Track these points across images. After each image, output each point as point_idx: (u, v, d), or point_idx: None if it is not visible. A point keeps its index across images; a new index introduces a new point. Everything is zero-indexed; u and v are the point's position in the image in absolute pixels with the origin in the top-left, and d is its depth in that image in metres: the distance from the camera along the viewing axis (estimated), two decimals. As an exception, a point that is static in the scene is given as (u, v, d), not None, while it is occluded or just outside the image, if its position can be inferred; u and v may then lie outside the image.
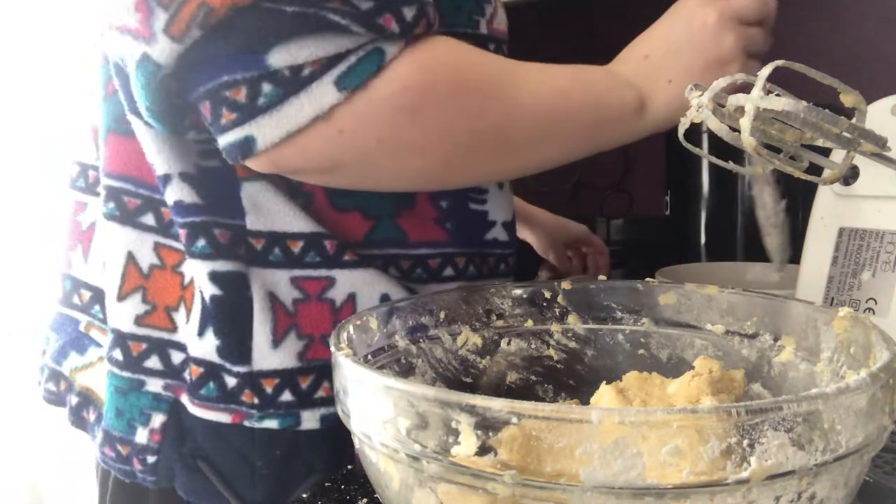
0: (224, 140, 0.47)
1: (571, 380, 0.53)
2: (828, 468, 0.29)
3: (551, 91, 0.53)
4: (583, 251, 1.07)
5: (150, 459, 0.56)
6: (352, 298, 0.55)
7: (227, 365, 0.53)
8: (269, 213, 0.53)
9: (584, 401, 0.49)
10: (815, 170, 0.46)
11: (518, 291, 0.53)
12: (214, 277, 0.52)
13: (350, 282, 0.55)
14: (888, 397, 0.31)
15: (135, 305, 0.56)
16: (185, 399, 0.55)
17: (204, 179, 0.53)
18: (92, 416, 0.60)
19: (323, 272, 0.54)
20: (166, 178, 0.53)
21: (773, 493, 0.29)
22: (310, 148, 0.47)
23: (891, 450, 0.47)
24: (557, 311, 0.53)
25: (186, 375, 0.55)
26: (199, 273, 0.53)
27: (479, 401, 0.29)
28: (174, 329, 0.56)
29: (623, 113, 0.55)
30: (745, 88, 0.41)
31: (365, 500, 0.46)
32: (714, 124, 0.42)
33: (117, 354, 0.56)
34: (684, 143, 0.48)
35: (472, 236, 0.61)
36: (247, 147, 0.46)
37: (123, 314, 0.56)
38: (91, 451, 0.61)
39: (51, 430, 1.63)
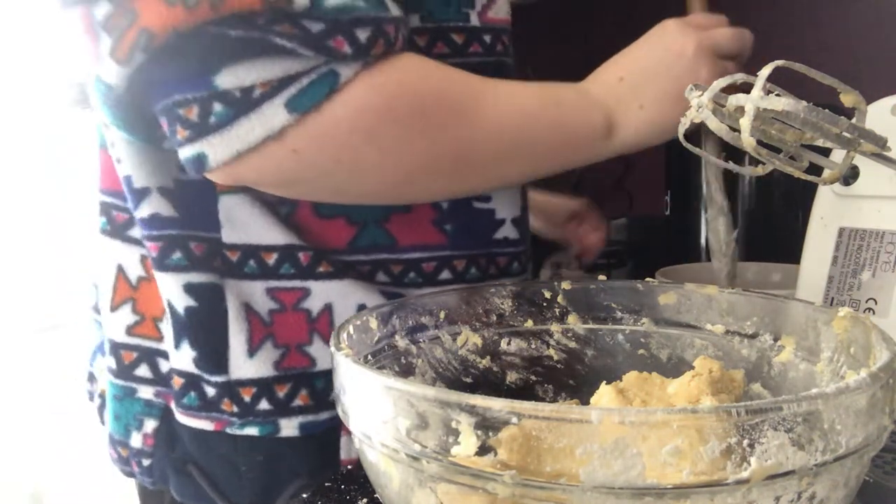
0: (181, 154, 0.47)
1: (571, 380, 0.53)
2: (828, 468, 0.29)
3: (517, 112, 0.53)
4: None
5: (146, 462, 0.58)
6: (328, 308, 0.55)
7: (205, 375, 0.54)
8: (244, 225, 0.54)
9: (584, 401, 0.49)
10: (815, 170, 0.46)
11: (518, 291, 0.53)
12: (189, 289, 0.53)
13: (325, 293, 0.55)
14: (888, 397, 0.31)
15: (126, 316, 0.58)
16: (173, 406, 0.56)
17: (182, 193, 0.54)
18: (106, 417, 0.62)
19: (297, 283, 0.55)
20: (144, 192, 0.54)
21: (773, 493, 0.29)
22: (264, 166, 0.47)
23: (891, 450, 0.47)
24: (557, 311, 0.53)
25: (172, 384, 0.56)
26: (170, 286, 0.54)
27: (479, 401, 0.29)
28: (161, 339, 0.57)
29: (590, 135, 0.55)
30: (746, 88, 0.41)
31: (365, 500, 0.46)
32: (714, 124, 0.42)
33: (112, 363, 0.58)
34: (684, 144, 0.48)
35: (478, 237, 0.60)
36: (199, 163, 0.47)
37: (116, 324, 0.58)
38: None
39: (51, 430, 1.63)
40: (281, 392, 0.54)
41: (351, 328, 0.43)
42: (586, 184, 1.53)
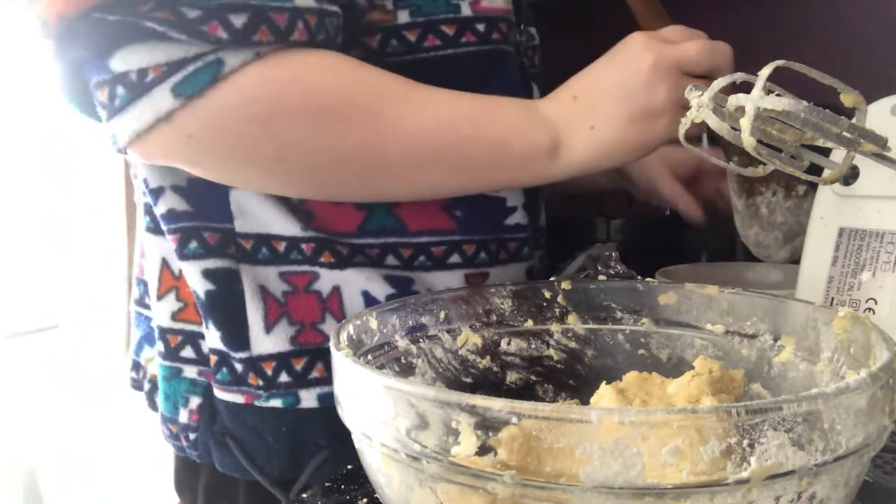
0: (106, 133, 0.51)
1: (571, 380, 0.53)
2: (828, 468, 0.29)
3: (442, 123, 0.52)
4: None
5: (192, 436, 0.62)
6: (337, 290, 0.58)
7: (231, 352, 0.58)
8: (254, 216, 0.58)
9: (584, 401, 0.49)
10: (815, 170, 0.46)
11: (518, 291, 0.53)
12: (207, 274, 0.57)
13: (332, 278, 0.58)
14: (888, 397, 0.31)
15: (170, 303, 0.62)
16: (212, 382, 0.60)
17: (194, 190, 0.58)
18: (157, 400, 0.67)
19: (307, 268, 0.58)
20: (159, 191, 0.59)
21: (773, 493, 0.29)
22: (163, 147, 0.50)
23: (891, 450, 0.47)
24: (557, 311, 0.53)
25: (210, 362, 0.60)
26: (192, 273, 0.58)
27: (479, 401, 0.29)
28: (201, 322, 0.60)
29: (530, 154, 0.53)
30: (746, 88, 0.41)
31: (365, 501, 0.46)
32: (714, 124, 0.42)
33: (160, 347, 0.63)
34: (684, 144, 0.48)
35: (487, 223, 0.61)
36: (113, 143, 0.50)
37: (162, 311, 0.63)
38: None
39: (51, 430, 1.63)
40: (298, 365, 0.58)
41: (351, 328, 0.43)
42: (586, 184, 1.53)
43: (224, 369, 0.59)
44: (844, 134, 0.42)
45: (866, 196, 0.59)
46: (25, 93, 1.56)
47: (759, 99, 0.40)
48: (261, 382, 0.58)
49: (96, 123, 0.53)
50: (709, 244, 1.11)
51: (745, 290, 0.49)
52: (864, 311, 0.58)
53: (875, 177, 0.57)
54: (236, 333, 0.58)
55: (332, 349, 0.38)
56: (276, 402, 0.58)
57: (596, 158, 0.54)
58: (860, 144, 0.42)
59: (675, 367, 0.50)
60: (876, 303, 0.57)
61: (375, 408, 0.33)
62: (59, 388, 1.65)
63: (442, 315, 0.50)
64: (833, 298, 0.60)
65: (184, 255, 0.58)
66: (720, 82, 0.42)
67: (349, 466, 0.51)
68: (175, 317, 0.62)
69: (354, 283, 0.58)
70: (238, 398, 0.59)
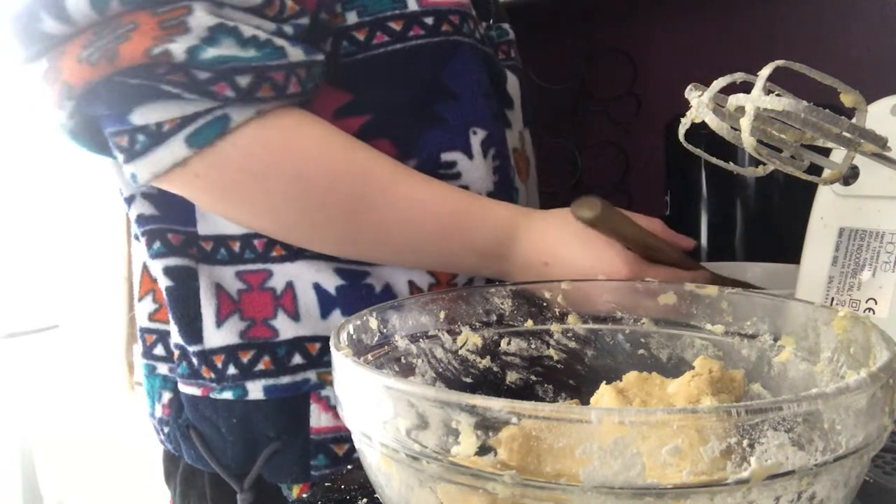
0: (123, 171, 0.56)
1: (571, 380, 0.53)
2: (828, 468, 0.29)
3: (411, 222, 0.57)
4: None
5: (166, 430, 0.67)
6: (290, 286, 0.62)
7: (188, 346, 0.62)
8: (215, 220, 0.62)
9: (584, 401, 0.49)
10: (815, 170, 0.46)
11: (518, 291, 0.53)
12: (167, 271, 0.62)
13: (284, 273, 0.61)
14: (888, 397, 0.31)
15: (148, 305, 0.68)
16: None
17: (163, 197, 0.63)
18: None
19: (260, 266, 0.62)
20: (131, 198, 0.64)
21: (773, 494, 0.29)
22: (175, 185, 0.56)
23: (891, 450, 0.47)
24: (557, 311, 0.53)
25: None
26: (156, 271, 0.63)
27: (479, 401, 0.29)
28: (170, 322, 0.64)
29: (479, 272, 0.62)
30: (746, 88, 0.41)
31: (365, 501, 0.46)
32: (714, 124, 0.42)
33: (140, 346, 0.68)
34: (684, 144, 0.48)
35: None
36: (133, 179, 0.55)
37: (142, 312, 0.68)
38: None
39: (51, 430, 1.63)
40: (245, 358, 0.62)
41: (351, 328, 0.43)
42: (586, 184, 1.53)
43: (184, 363, 0.63)
44: (844, 134, 0.42)
45: (866, 196, 0.59)
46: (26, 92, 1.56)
47: (758, 99, 0.40)
48: (213, 375, 0.62)
49: (92, 153, 0.59)
50: (708, 244, 1.11)
51: (745, 290, 0.49)
52: (864, 311, 0.58)
53: (875, 177, 0.57)
54: (191, 328, 0.62)
55: (332, 349, 0.38)
56: (228, 395, 0.62)
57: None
58: (860, 144, 0.42)
59: (675, 367, 0.50)
60: (876, 303, 0.57)
61: (375, 408, 0.33)
62: (58, 389, 1.65)
63: (442, 315, 0.50)
64: (833, 298, 0.60)
65: (150, 254, 0.63)
66: (720, 82, 0.42)
67: (349, 466, 0.51)
68: (151, 317, 0.67)
69: (305, 276, 0.61)
70: (196, 391, 0.63)
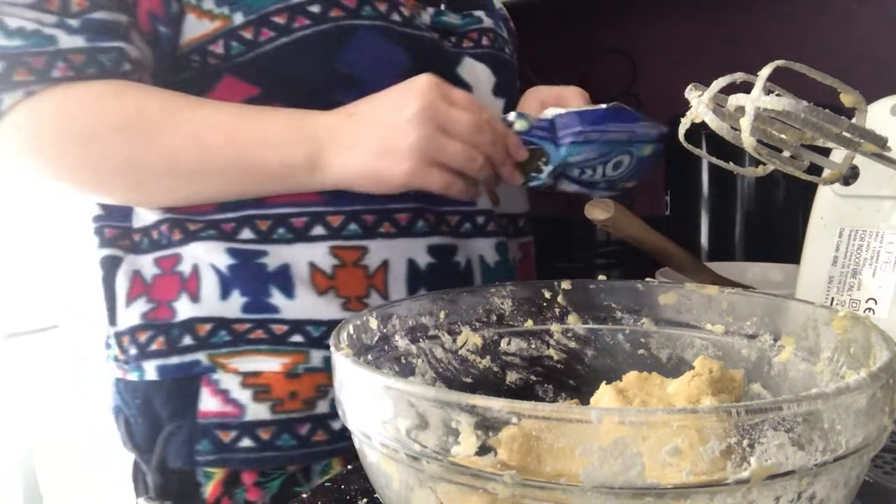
0: None
1: (571, 380, 0.53)
2: (828, 468, 0.29)
3: (196, 141, 0.57)
4: None
5: (118, 417, 0.68)
6: (195, 269, 0.63)
7: (110, 328, 0.66)
8: (145, 213, 0.65)
9: (584, 401, 0.49)
10: (816, 170, 0.46)
11: (518, 291, 0.53)
12: (101, 262, 0.66)
13: (190, 255, 0.63)
14: (888, 397, 0.31)
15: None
16: None
17: None
18: None
19: (170, 251, 0.64)
20: (86, 203, 0.68)
21: (773, 494, 0.29)
22: None
23: (891, 450, 0.47)
24: (557, 311, 0.53)
25: None
26: (94, 264, 0.67)
27: (479, 401, 0.29)
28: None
29: (287, 170, 0.58)
30: (746, 88, 0.41)
31: (365, 500, 0.46)
32: (714, 124, 0.42)
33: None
34: (684, 144, 0.48)
35: (359, 193, 0.60)
36: None
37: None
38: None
39: (51, 430, 1.63)
40: (142, 338, 0.64)
41: (351, 328, 0.43)
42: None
43: (111, 345, 0.67)
44: (844, 134, 0.42)
45: (866, 196, 0.59)
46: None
47: (758, 99, 0.40)
48: (122, 356, 0.65)
49: None
50: (708, 244, 1.11)
51: (745, 290, 0.49)
52: (864, 311, 0.58)
53: (875, 177, 0.57)
54: (111, 311, 0.66)
55: (332, 349, 0.38)
56: (133, 376, 0.64)
57: (347, 182, 0.59)
58: (860, 144, 0.42)
59: (675, 367, 0.50)
60: (876, 303, 0.57)
61: (375, 408, 0.33)
62: (58, 388, 1.65)
63: (442, 315, 0.50)
64: (833, 298, 0.60)
65: (97, 247, 0.67)
66: (720, 82, 0.42)
67: (349, 466, 0.51)
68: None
69: (203, 257, 0.62)
70: (117, 373, 0.66)
